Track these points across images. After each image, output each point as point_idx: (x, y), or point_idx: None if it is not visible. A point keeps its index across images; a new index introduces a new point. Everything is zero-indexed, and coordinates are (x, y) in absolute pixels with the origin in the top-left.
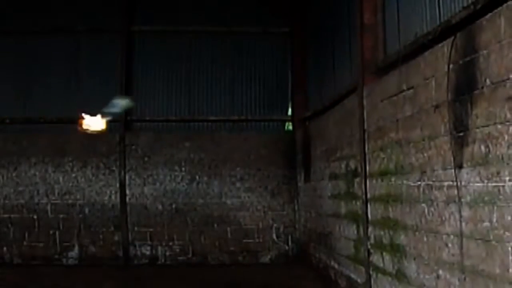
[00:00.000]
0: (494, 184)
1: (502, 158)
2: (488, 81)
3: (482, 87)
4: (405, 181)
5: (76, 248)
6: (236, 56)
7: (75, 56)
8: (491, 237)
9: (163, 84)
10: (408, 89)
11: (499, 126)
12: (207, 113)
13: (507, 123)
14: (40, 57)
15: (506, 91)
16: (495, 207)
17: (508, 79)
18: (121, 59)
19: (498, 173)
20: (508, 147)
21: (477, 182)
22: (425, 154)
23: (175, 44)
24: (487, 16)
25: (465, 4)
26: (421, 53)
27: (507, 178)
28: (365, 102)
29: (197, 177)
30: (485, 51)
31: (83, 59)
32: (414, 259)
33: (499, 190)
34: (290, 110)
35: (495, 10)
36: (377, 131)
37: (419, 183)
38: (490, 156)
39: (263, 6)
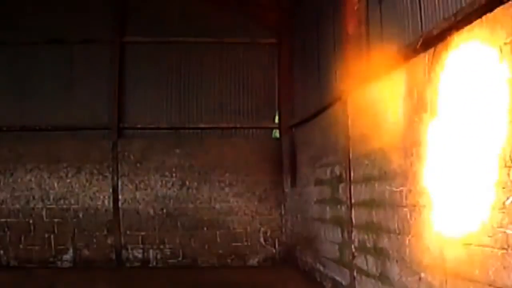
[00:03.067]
0: None
1: None
2: None
3: None
4: (388, 187)
5: (71, 251)
6: (225, 66)
7: (69, 66)
8: (472, 241)
9: (154, 93)
10: (391, 97)
11: None
12: (197, 120)
13: None
14: (35, 67)
15: None
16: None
17: None
18: (114, 69)
19: None
20: None
21: None
22: (407, 161)
23: (166, 55)
24: (467, 28)
25: (445, 16)
26: (404, 63)
27: None
28: (349, 110)
29: (187, 182)
30: None
31: (76, 69)
32: (397, 262)
33: None
34: (277, 117)
35: (474, 22)
36: (361, 138)
37: (401, 188)
38: None
39: (251, 18)
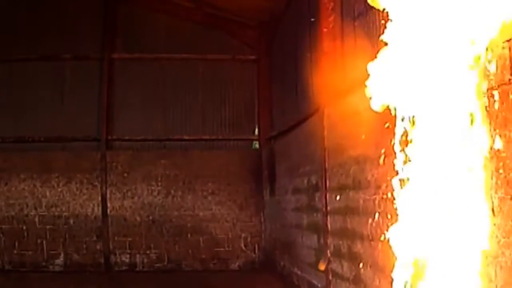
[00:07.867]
0: None
1: None
2: None
3: None
4: (362, 195)
5: (62, 256)
6: (207, 81)
7: (60, 81)
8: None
9: (141, 106)
10: (365, 110)
11: None
12: (181, 132)
13: None
14: (29, 81)
15: None
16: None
17: None
18: (103, 84)
19: None
20: None
21: None
22: (380, 170)
23: (152, 70)
24: None
25: None
26: None
27: None
28: (325, 122)
29: (172, 191)
30: None
31: (68, 83)
32: (370, 266)
33: None
34: (257, 130)
35: None
36: (336, 149)
37: (374, 196)
38: None
39: (232, 36)
